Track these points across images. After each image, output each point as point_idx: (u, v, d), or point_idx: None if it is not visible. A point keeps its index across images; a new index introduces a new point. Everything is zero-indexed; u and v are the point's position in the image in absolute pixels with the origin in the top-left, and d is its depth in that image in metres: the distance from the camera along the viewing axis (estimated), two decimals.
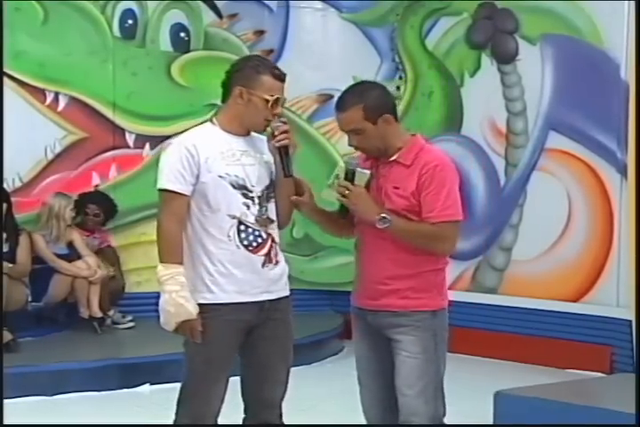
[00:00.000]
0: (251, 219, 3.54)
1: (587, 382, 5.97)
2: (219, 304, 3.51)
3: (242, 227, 3.52)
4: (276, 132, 3.55)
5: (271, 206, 3.61)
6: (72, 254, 7.20)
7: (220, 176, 3.50)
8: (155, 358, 6.33)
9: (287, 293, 3.67)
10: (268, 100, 3.51)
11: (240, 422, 3.71)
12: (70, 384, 6.11)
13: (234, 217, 3.51)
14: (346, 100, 3.57)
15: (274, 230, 3.61)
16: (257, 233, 3.55)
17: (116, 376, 6.27)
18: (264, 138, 3.64)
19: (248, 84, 3.51)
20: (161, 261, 3.49)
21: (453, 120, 7.77)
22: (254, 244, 3.54)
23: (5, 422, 4.30)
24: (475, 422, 5.01)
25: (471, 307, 7.21)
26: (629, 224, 6.37)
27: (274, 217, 3.62)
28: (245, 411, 3.68)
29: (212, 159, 3.50)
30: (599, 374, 6.58)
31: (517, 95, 7.41)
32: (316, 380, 6.53)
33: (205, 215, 3.52)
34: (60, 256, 7.14)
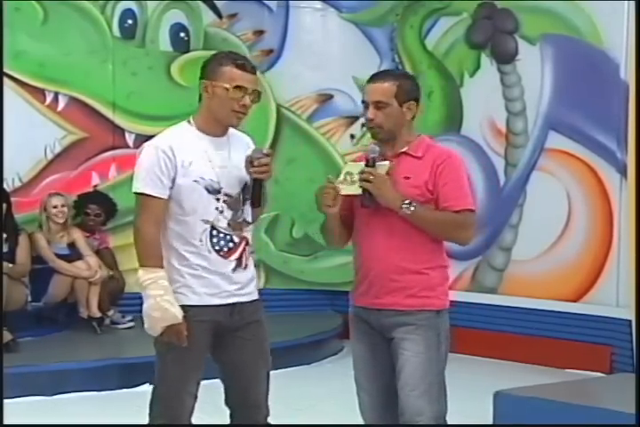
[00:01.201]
0: (223, 223, 3.51)
1: (586, 382, 5.97)
2: (190, 306, 3.48)
3: (214, 232, 3.50)
4: (256, 163, 3.49)
5: (247, 208, 3.57)
6: (73, 254, 7.20)
7: (195, 181, 3.47)
8: (154, 359, 6.32)
9: (257, 296, 3.63)
10: (227, 89, 3.44)
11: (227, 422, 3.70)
12: (70, 384, 6.11)
13: (207, 222, 3.49)
14: (385, 73, 3.75)
15: (249, 233, 3.59)
16: (228, 238, 3.52)
17: (116, 376, 6.27)
18: (242, 137, 3.61)
19: (211, 77, 3.48)
20: (141, 266, 3.48)
21: (453, 120, 7.77)
22: (225, 249, 3.51)
23: (5, 422, 4.30)
24: (474, 422, 5.01)
25: (471, 307, 7.21)
26: (629, 224, 6.37)
27: (249, 219, 3.59)
28: (231, 416, 3.65)
29: (187, 163, 3.47)
30: (599, 374, 6.59)
31: (517, 95, 7.42)
32: (315, 380, 6.53)
33: (178, 219, 3.50)
34: (60, 256, 7.14)
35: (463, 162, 3.70)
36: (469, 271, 7.63)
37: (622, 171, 6.66)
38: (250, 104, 3.49)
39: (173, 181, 3.47)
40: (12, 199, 7.00)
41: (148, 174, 3.49)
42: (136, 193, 3.54)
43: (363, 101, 3.66)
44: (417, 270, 3.59)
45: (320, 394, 6.21)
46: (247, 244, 3.57)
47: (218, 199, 3.49)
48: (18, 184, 7.45)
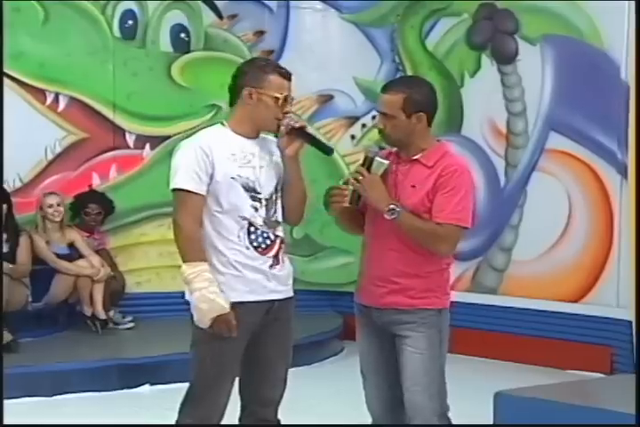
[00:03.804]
0: (259, 221, 3.57)
1: (587, 382, 5.96)
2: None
3: (251, 228, 3.55)
4: (293, 123, 3.58)
5: (278, 208, 3.64)
6: (73, 254, 7.20)
7: (233, 178, 3.53)
8: (154, 359, 6.33)
9: (292, 293, 3.69)
10: (277, 98, 3.55)
11: (235, 419, 3.71)
12: (70, 385, 6.10)
13: (244, 218, 3.54)
14: (393, 84, 3.71)
15: (282, 232, 3.65)
16: (265, 235, 3.58)
17: (116, 377, 6.26)
18: (274, 139, 3.68)
19: (257, 85, 3.55)
20: (184, 261, 3.48)
21: (453, 121, 7.76)
22: (263, 245, 3.57)
23: (5, 422, 4.30)
24: (474, 422, 5.00)
25: (471, 307, 7.21)
26: (629, 225, 6.37)
27: (281, 219, 3.65)
28: (243, 409, 3.69)
29: (225, 160, 3.53)
30: (599, 375, 6.58)
31: (517, 96, 7.41)
32: (316, 380, 6.53)
33: (216, 216, 3.54)
34: (61, 256, 7.14)
35: (470, 178, 3.65)
36: (470, 272, 7.63)
37: (623, 172, 6.66)
38: (290, 110, 3.59)
39: (211, 177, 3.51)
40: (13, 200, 7.00)
41: (186, 171, 3.51)
42: (175, 189, 3.53)
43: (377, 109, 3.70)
44: (417, 274, 3.61)
45: (320, 394, 6.21)
46: (283, 242, 3.63)
47: (253, 197, 3.55)
48: (18, 185, 7.45)
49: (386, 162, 3.61)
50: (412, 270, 3.60)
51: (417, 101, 3.61)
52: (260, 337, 3.59)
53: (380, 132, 3.66)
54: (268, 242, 3.58)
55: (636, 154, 6.20)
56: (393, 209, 3.51)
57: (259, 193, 3.57)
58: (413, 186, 3.59)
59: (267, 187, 3.59)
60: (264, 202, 3.58)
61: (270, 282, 3.58)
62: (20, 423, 5.10)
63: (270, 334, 3.61)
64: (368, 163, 3.60)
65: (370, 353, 3.73)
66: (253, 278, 3.55)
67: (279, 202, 3.64)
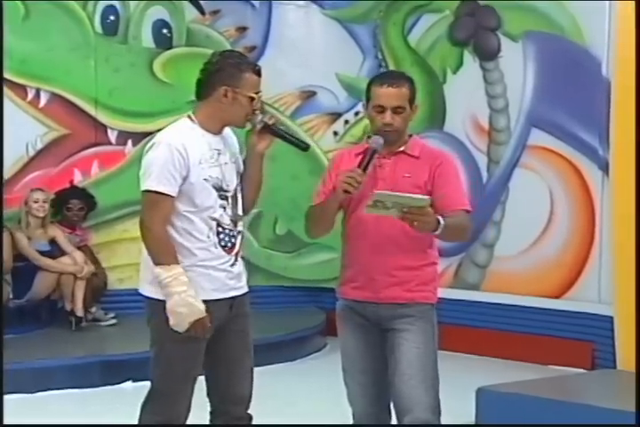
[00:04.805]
0: (226, 220, 3.57)
1: (568, 378, 5.99)
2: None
3: (220, 228, 3.55)
4: (266, 119, 3.59)
5: (239, 202, 3.64)
6: (55, 251, 7.19)
7: (205, 179, 3.52)
8: (137, 355, 6.29)
9: (247, 289, 3.70)
10: (253, 98, 3.54)
11: (205, 418, 3.69)
12: (52, 382, 6.09)
13: (213, 219, 3.54)
14: (399, 77, 3.76)
15: (242, 226, 3.66)
16: (232, 233, 3.59)
17: (99, 373, 6.26)
18: (229, 132, 3.68)
19: (233, 84, 3.53)
20: (157, 264, 3.45)
21: (436, 117, 7.78)
22: (229, 244, 3.58)
23: None
24: (457, 418, 5.01)
25: (454, 303, 7.21)
26: (611, 221, 6.39)
27: (241, 212, 3.66)
28: (213, 409, 3.67)
29: (198, 161, 3.51)
30: (581, 371, 6.61)
31: (499, 92, 7.43)
32: (298, 376, 6.54)
33: (186, 216, 3.52)
34: (42, 253, 7.12)
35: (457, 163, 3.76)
36: (452, 268, 7.64)
37: (604, 168, 6.68)
38: (259, 106, 3.61)
39: (184, 179, 3.48)
40: None
41: (162, 172, 3.47)
42: (147, 191, 3.48)
43: (378, 105, 3.62)
44: (414, 267, 3.64)
45: (303, 391, 6.21)
46: (242, 237, 3.65)
47: (221, 196, 3.55)
48: None
49: (426, 197, 3.47)
50: (410, 263, 3.62)
51: (415, 93, 3.72)
52: (221, 335, 3.58)
53: (387, 127, 3.59)
54: (234, 240, 3.59)
55: (618, 150, 6.21)
56: (441, 223, 3.47)
57: (226, 191, 3.56)
58: (407, 177, 3.61)
59: (231, 183, 3.59)
60: (230, 199, 3.58)
61: (231, 280, 3.59)
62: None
63: (232, 331, 3.60)
64: (370, 154, 3.55)
65: (356, 350, 3.71)
66: (218, 276, 3.55)
67: (240, 195, 3.65)
